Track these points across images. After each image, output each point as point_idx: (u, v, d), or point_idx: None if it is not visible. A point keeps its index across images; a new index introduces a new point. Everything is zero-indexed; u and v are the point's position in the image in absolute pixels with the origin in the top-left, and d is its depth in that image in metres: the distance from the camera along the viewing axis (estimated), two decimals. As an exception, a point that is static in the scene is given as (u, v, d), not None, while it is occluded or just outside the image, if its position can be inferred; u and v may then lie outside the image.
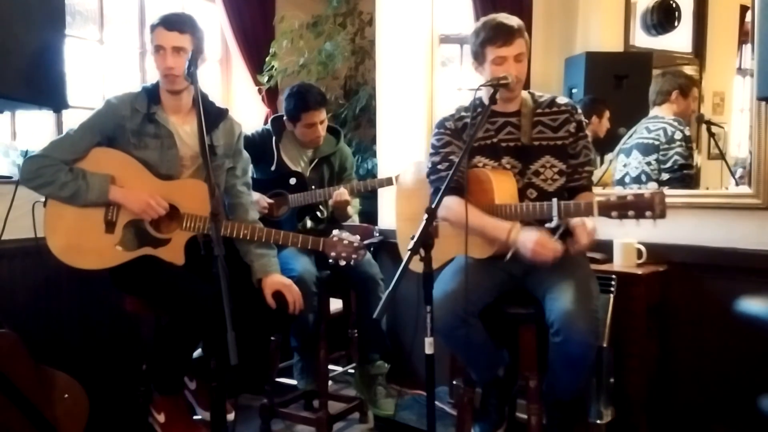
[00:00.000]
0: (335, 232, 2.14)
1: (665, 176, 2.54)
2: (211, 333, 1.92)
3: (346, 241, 2.12)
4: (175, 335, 2.04)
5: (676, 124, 2.58)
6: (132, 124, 2.09)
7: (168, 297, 2.02)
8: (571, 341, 1.77)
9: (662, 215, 1.65)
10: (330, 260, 2.14)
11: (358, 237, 2.14)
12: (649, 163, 2.58)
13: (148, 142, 2.11)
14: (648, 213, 1.65)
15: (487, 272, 1.98)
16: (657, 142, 2.57)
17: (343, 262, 2.13)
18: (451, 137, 2.10)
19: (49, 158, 2.01)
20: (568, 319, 1.76)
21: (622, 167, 2.73)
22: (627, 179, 2.70)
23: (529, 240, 1.83)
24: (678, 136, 2.55)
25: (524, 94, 2.10)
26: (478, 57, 2.01)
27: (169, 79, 2.06)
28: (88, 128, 2.08)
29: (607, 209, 1.71)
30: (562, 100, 2.09)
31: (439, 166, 2.09)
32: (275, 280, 2.15)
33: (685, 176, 2.54)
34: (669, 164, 2.54)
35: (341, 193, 2.63)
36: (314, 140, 2.71)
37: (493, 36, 1.94)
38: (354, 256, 2.12)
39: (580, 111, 2.08)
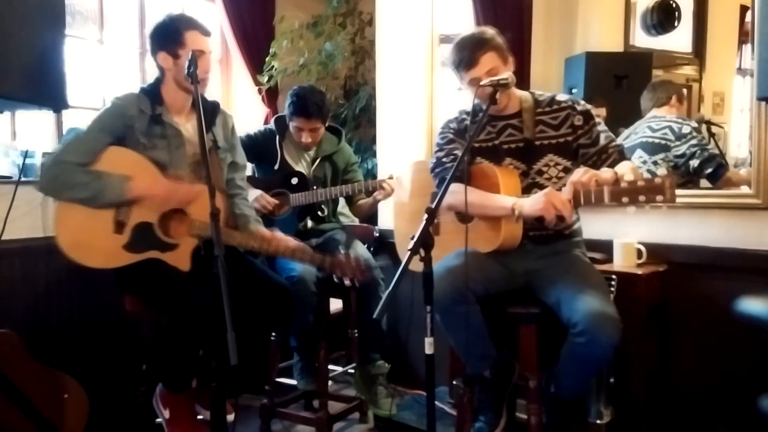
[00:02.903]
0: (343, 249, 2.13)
1: (695, 164, 2.49)
2: (211, 335, 1.92)
3: (353, 262, 2.11)
4: (175, 337, 2.04)
5: (680, 120, 2.58)
6: (140, 125, 2.10)
7: (168, 302, 2.02)
8: (597, 343, 1.74)
9: (672, 199, 1.61)
10: (335, 279, 2.12)
11: (364, 257, 2.09)
12: (655, 163, 2.57)
13: (157, 142, 2.12)
14: (659, 197, 1.62)
15: (490, 265, 1.99)
16: (664, 141, 2.56)
17: (348, 282, 2.11)
18: (455, 136, 2.15)
19: (67, 164, 2.01)
20: (597, 321, 1.73)
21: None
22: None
23: (538, 197, 1.81)
24: (686, 130, 2.54)
25: (524, 94, 2.10)
26: (459, 79, 2.04)
27: (206, 82, 2.14)
28: (99, 129, 2.08)
29: (617, 195, 1.68)
30: (562, 97, 2.09)
31: (444, 159, 2.13)
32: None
33: (719, 165, 2.46)
34: (689, 157, 2.50)
35: (392, 181, 2.57)
36: (302, 145, 2.71)
37: (458, 60, 1.98)
38: (360, 278, 2.11)
39: (582, 102, 2.07)
